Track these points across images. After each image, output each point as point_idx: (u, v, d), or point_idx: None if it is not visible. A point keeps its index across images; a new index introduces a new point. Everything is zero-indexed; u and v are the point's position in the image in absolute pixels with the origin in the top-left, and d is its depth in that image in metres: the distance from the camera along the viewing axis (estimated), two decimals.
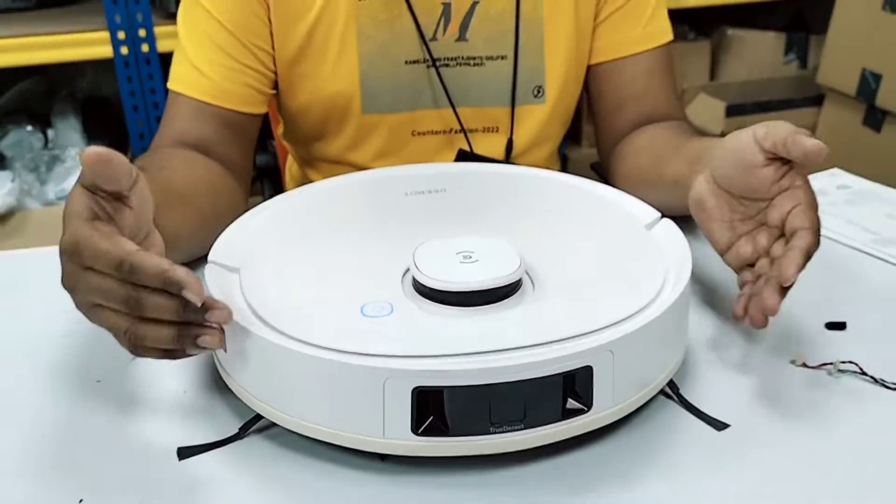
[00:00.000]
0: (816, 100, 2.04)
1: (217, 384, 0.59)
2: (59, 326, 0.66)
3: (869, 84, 1.85)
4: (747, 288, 0.60)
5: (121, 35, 1.61)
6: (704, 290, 0.72)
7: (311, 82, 0.87)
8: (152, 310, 0.48)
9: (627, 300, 0.55)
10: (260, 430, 0.55)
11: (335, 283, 0.58)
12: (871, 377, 0.60)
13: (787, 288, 0.56)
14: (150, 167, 0.70)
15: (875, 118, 1.87)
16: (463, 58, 0.89)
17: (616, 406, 0.52)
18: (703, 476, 0.52)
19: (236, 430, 0.54)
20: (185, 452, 0.53)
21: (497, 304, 0.55)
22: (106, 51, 1.62)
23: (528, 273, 0.58)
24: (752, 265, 0.62)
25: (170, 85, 0.86)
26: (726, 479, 0.51)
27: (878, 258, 0.77)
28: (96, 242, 0.48)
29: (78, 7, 1.79)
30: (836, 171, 0.97)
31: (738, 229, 0.63)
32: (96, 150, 0.49)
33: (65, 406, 0.58)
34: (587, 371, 0.50)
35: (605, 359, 0.50)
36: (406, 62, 0.88)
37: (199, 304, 0.48)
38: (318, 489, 0.51)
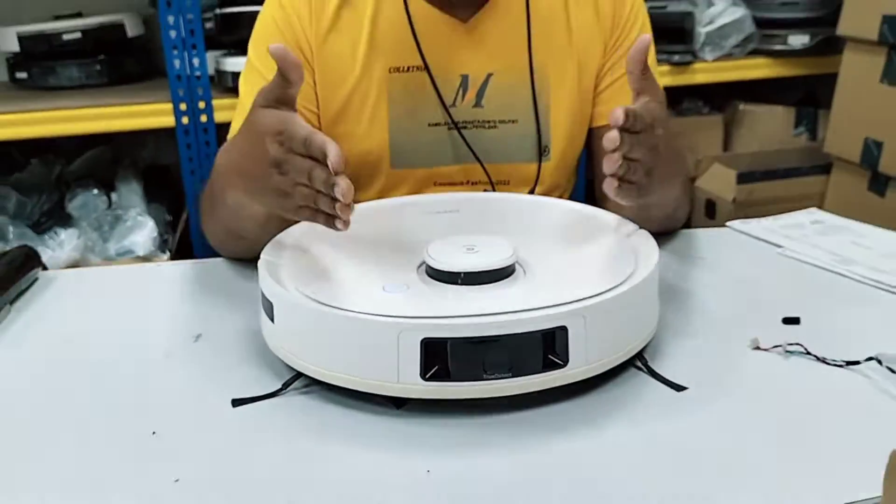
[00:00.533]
0: (825, 168, 2.15)
1: (262, 356, 0.72)
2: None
3: (872, 152, 1.96)
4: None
5: (182, 106, 1.80)
6: (674, 290, 0.84)
7: (347, 140, 1.00)
8: (315, 178, 0.66)
9: (600, 282, 0.67)
10: (297, 388, 0.67)
11: (362, 272, 0.71)
12: (815, 356, 0.70)
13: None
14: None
15: (879, 183, 1.98)
16: (479, 121, 1.01)
17: (589, 364, 0.64)
18: (659, 424, 0.62)
19: (279, 386, 0.67)
20: (237, 402, 0.66)
21: (493, 283, 0.67)
22: (168, 121, 1.81)
23: (520, 264, 0.70)
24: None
25: (231, 136, 1.01)
26: (679, 427, 0.62)
27: (837, 273, 0.88)
28: (297, 128, 0.67)
29: (145, 84, 1.99)
30: (813, 209, 1.08)
31: None
32: (283, 47, 0.68)
33: (151, 366, 0.72)
34: (563, 331, 0.62)
35: (579, 322, 0.62)
36: (429, 125, 1.01)
37: (336, 169, 0.65)
38: (346, 430, 0.62)
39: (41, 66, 1.91)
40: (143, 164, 2.16)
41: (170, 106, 1.79)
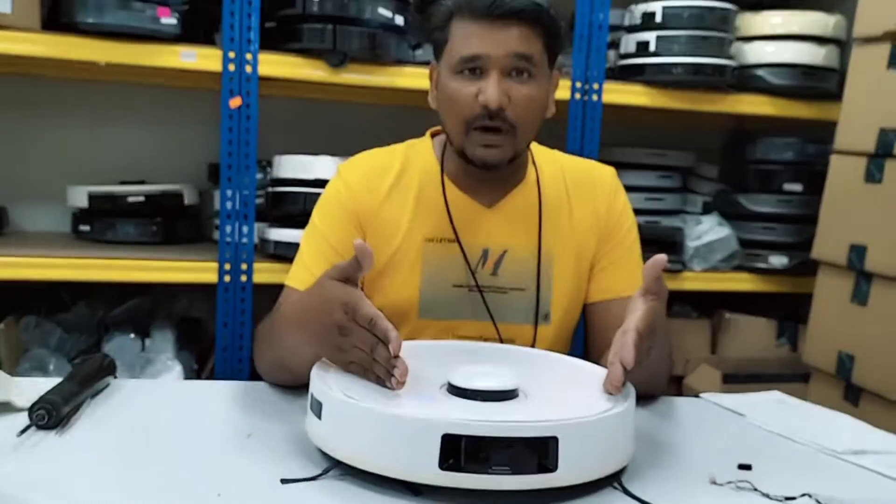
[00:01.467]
0: (804, 377, 2.32)
1: (303, 445, 0.87)
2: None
3: (845, 365, 2.14)
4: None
5: (227, 267, 2.01)
6: (649, 434, 0.99)
7: (384, 292, 1.21)
8: (378, 354, 0.86)
9: (586, 409, 0.83)
10: (334, 475, 0.82)
11: (402, 390, 0.87)
12: (761, 492, 0.85)
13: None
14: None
15: (853, 394, 2.14)
16: (493, 287, 1.22)
17: (574, 472, 0.79)
18: None
19: (320, 472, 0.82)
20: (286, 481, 0.80)
21: (501, 401, 0.84)
22: (212, 278, 2.02)
23: (523, 391, 0.87)
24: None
25: (288, 282, 1.21)
26: None
27: (787, 437, 1.04)
28: (364, 308, 0.87)
29: (194, 245, 2.22)
30: (776, 392, 1.25)
31: None
32: (364, 243, 0.88)
33: (211, 454, 0.87)
34: (554, 441, 0.77)
35: (567, 435, 0.78)
36: (453, 286, 1.21)
37: (395, 356, 0.86)
38: None
39: (103, 222, 2.15)
40: (176, 316, 2.35)
41: (215, 265, 2.00)
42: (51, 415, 0.91)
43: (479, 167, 1.16)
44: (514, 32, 1.11)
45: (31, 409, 0.91)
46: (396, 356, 0.86)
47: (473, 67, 1.12)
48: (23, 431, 0.89)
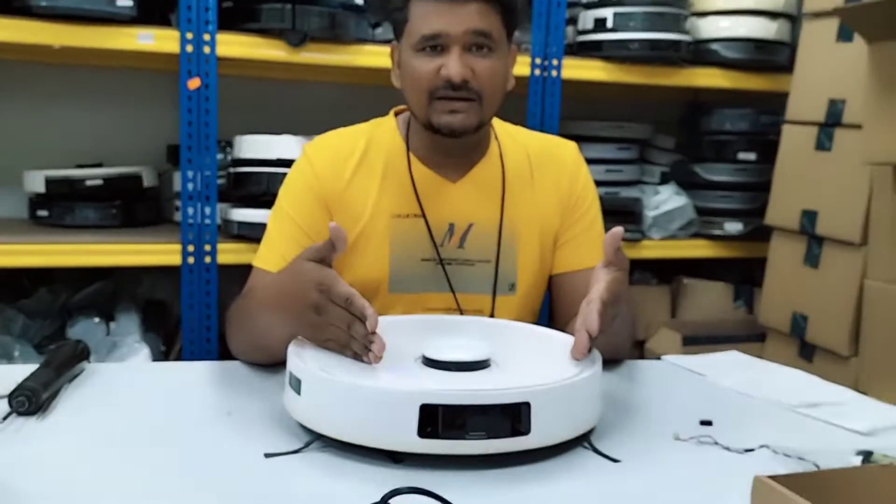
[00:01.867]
0: (760, 336, 2.41)
1: (283, 421, 0.89)
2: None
3: (799, 324, 2.22)
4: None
5: (190, 248, 2.01)
6: (615, 396, 1.03)
7: (354, 269, 1.22)
8: (354, 331, 0.89)
9: (554, 376, 0.87)
10: (316, 447, 0.85)
11: (379, 364, 0.90)
12: (721, 445, 0.90)
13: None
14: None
15: (807, 352, 2.23)
16: (460, 260, 1.25)
17: (546, 435, 0.82)
18: (597, 480, 0.81)
19: (302, 445, 0.84)
20: (269, 455, 0.83)
21: (474, 371, 0.87)
22: (175, 260, 2.01)
23: (494, 361, 0.91)
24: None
25: (257, 263, 1.22)
26: (614, 489, 0.80)
27: (744, 393, 1.09)
28: (339, 287, 0.89)
29: (155, 228, 2.21)
30: (733, 352, 1.31)
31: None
32: (338, 226, 0.90)
33: (192, 431, 0.89)
34: (527, 406, 0.81)
35: (537, 400, 0.81)
36: (421, 259, 1.24)
37: (372, 331, 0.88)
38: (356, 478, 0.79)
39: (62, 206, 2.12)
40: (141, 299, 2.34)
41: (178, 247, 1.99)
42: (31, 401, 0.92)
43: (447, 135, 1.17)
44: (473, 9, 1.13)
45: (11, 396, 0.92)
46: (374, 332, 0.89)
47: (434, 45, 1.14)
48: (4, 418, 0.90)
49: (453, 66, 1.13)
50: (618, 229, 0.96)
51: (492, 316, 1.24)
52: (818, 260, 2.14)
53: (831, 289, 2.07)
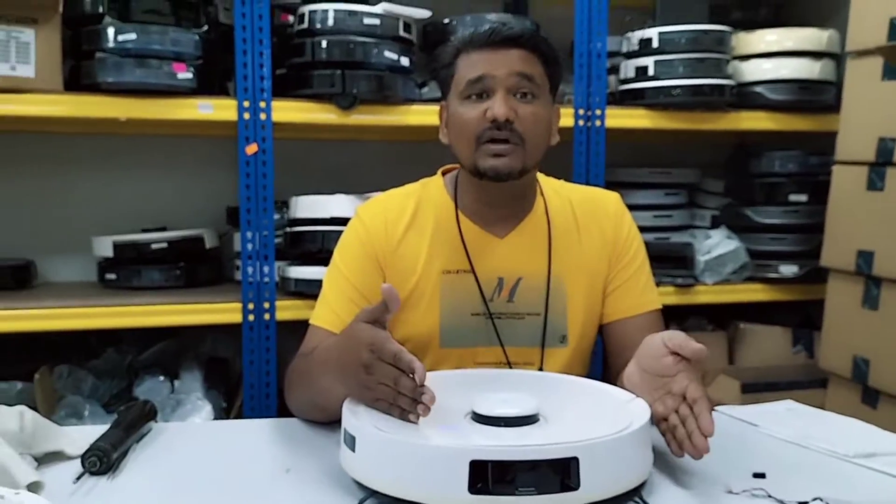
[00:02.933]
0: (822, 383, 2.35)
1: (339, 477, 0.92)
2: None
3: (861, 369, 2.17)
4: (670, 434, 0.94)
5: (251, 306, 2.07)
6: (667, 450, 1.04)
7: (407, 325, 1.26)
8: (402, 386, 0.91)
9: (603, 430, 0.88)
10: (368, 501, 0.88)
11: (423, 420, 0.93)
12: (775, 498, 0.89)
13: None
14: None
15: (871, 397, 2.17)
16: (510, 314, 1.27)
17: (596, 489, 0.84)
18: None
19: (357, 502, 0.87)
20: None
21: (523, 426, 0.89)
22: (236, 318, 2.08)
23: (543, 415, 0.93)
24: (664, 420, 0.96)
25: (313, 321, 1.27)
26: None
27: (799, 445, 1.08)
28: (387, 345, 0.93)
29: (216, 287, 2.29)
30: (788, 401, 1.30)
31: (654, 396, 0.98)
32: (390, 287, 0.95)
33: (253, 489, 0.92)
34: (575, 461, 0.83)
35: (586, 455, 0.83)
36: (471, 314, 1.27)
37: (421, 384, 0.91)
38: None
39: (128, 269, 2.21)
40: (203, 357, 2.41)
41: (239, 305, 2.06)
42: (102, 461, 0.97)
43: (492, 178, 1.21)
44: (515, 54, 1.20)
45: (84, 457, 0.97)
46: (422, 385, 0.91)
47: (480, 91, 1.20)
48: (78, 478, 0.95)
49: (498, 105, 1.18)
50: (703, 348, 0.97)
51: (541, 368, 1.26)
52: (877, 301, 2.09)
53: (893, 331, 2.02)
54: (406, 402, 0.93)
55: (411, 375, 0.92)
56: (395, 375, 0.93)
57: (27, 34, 1.81)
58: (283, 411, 1.24)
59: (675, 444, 0.93)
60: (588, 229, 1.32)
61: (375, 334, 0.95)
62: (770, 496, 0.90)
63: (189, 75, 1.91)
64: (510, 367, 1.25)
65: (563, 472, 0.82)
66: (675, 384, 0.97)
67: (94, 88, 1.88)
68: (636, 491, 0.90)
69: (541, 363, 1.27)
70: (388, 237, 1.28)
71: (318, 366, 1.10)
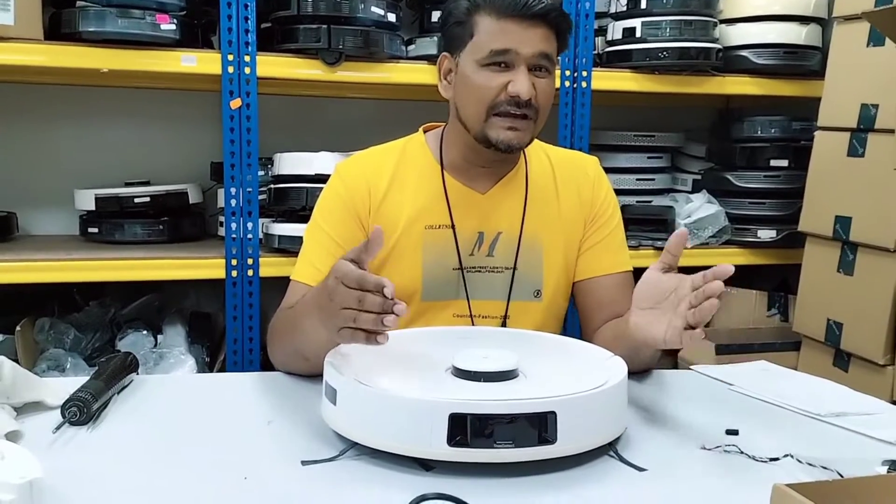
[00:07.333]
0: (795, 345, 2.39)
1: (320, 429, 0.94)
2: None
3: (834, 332, 2.21)
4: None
5: (234, 262, 2.07)
6: (641, 404, 1.06)
7: (389, 278, 1.26)
8: (368, 303, 0.90)
9: (582, 384, 0.90)
10: (350, 455, 0.89)
11: (404, 373, 0.94)
12: (746, 454, 0.92)
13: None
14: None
15: (842, 360, 2.21)
16: (490, 267, 1.29)
17: (572, 443, 0.86)
18: (622, 489, 0.84)
19: (337, 453, 0.89)
20: (306, 463, 0.88)
21: (502, 381, 0.91)
22: (219, 273, 2.08)
23: (522, 370, 0.94)
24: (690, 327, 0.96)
25: (294, 276, 1.27)
26: (634, 491, 0.83)
27: (772, 403, 1.11)
28: (352, 271, 0.92)
29: (200, 243, 2.28)
30: (762, 361, 1.32)
31: (665, 321, 0.98)
32: (379, 229, 0.93)
33: (234, 440, 0.94)
34: (553, 415, 0.84)
35: (564, 409, 0.85)
36: (452, 269, 1.29)
37: (391, 297, 0.89)
38: (388, 485, 0.83)
39: (111, 223, 2.20)
40: (187, 311, 2.42)
41: (222, 261, 2.06)
42: (82, 411, 0.97)
43: (502, 150, 1.22)
44: (541, 32, 1.20)
45: (64, 407, 0.98)
46: (392, 299, 0.91)
47: (501, 61, 1.19)
48: (57, 428, 0.96)
49: (522, 83, 1.18)
50: (683, 230, 1.02)
51: (504, 322, 1.28)
52: (853, 266, 2.13)
53: (866, 296, 2.06)
54: (370, 321, 0.91)
55: (380, 294, 0.91)
56: (359, 296, 0.91)
57: None
58: (266, 366, 1.25)
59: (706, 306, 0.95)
60: (567, 190, 1.34)
61: (343, 265, 0.94)
62: (742, 452, 0.93)
63: (172, 27, 1.88)
64: (472, 321, 1.27)
65: (540, 426, 0.84)
66: (682, 287, 0.98)
67: (75, 38, 1.85)
68: (611, 445, 0.92)
69: (504, 317, 1.29)
70: (369, 194, 1.28)
71: (300, 312, 1.10)
